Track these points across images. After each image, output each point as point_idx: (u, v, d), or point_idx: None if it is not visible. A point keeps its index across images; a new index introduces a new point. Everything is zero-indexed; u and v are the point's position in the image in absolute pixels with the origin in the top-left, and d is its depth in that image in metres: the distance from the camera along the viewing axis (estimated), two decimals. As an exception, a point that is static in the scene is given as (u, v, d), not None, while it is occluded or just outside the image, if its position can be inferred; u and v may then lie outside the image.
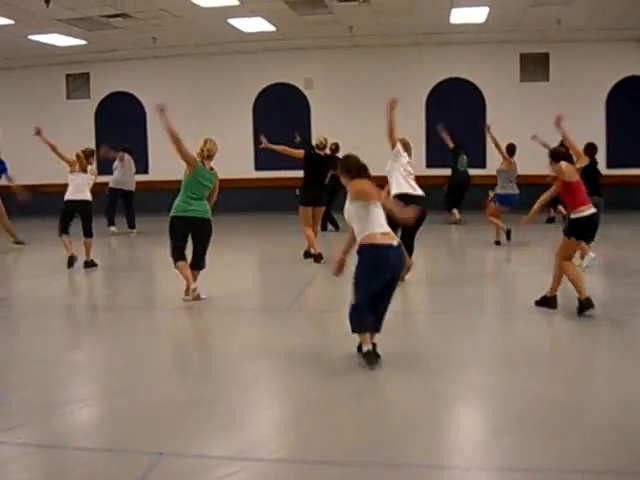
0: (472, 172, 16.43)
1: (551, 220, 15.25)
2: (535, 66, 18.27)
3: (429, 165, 17.75)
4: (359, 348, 6.22)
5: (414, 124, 17.26)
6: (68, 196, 11.31)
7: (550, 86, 18.10)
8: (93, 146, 13.47)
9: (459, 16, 15.44)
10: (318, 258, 11.26)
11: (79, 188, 11.27)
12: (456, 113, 17.90)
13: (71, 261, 11.12)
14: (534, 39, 17.63)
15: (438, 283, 10.09)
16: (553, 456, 4.41)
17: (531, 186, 11.66)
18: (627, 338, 7.16)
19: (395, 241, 6.07)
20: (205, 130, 18.29)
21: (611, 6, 14.64)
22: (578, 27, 16.47)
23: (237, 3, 13.73)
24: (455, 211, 16.05)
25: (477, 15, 15.43)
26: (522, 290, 9.68)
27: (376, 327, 6.25)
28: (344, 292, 8.81)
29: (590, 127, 15.54)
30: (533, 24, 16.22)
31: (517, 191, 12.86)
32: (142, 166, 18.19)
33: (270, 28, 16.10)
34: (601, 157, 14.00)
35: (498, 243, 12.88)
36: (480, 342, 7.08)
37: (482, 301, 9.22)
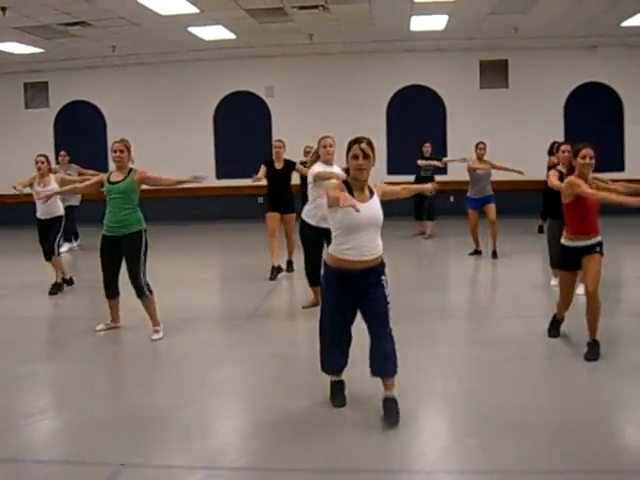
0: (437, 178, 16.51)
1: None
2: (494, 73, 18.44)
3: (390, 172, 17.82)
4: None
5: (375, 131, 17.22)
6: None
7: (509, 93, 18.30)
8: (53, 156, 13.29)
9: (419, 24, 15.53)
10: (274, 273, 10.84)
11: None
12: (417, 120, 18.02)
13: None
14: (493, 46, 17.80)
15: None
16: (516, 458, 4.45)
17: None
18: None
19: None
20: (166, 138, 18.43)
21: (567, 15, 14.84)
22: (536, 35, 16.68)
23: (197, 11, 13.67)
24: (427, 223, 15.33)
25: (437, 23, 15.54)
26: (488, 295, 9.76)
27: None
28: (305, 298, 8.81)
29: (548, 133, 15.71)
30: (492, 32, 16.38)
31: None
32: (103, 175, 18.03)
33: (230, 36, 16.06)
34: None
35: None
36: (442, 347, 7.11)
37: (445, 307, 9.27)
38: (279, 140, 11.48)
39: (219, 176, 18.74)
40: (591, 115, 17.74)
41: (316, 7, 13.79)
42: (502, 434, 4.80)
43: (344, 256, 5.07)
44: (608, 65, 17.96)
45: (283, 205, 11.05)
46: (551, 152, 13.16)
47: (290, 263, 11.40)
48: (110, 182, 7.80)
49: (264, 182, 10.89)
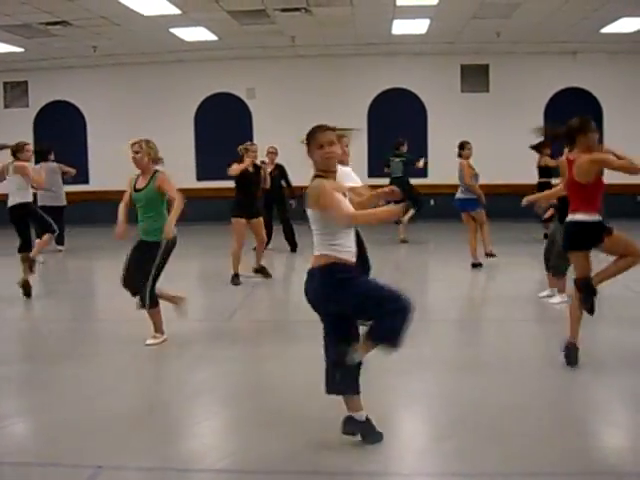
0: (412, 181, 16.55)
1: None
2: (475, 77, 18.55)
3: (371, 175, 17.81)
4: None
5: (356, 134, 17.32)
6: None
7: (490, 97, 18.42)
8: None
9: (401, 27, 15.59)
10: (235, 279, 10.67)
11: None
12: (398, 123, 18.05)
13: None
14: (474, 51, 17.91)
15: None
16: (494, 460, 4.46)
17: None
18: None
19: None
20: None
21: (548, 21, 14.95)
22: (517, 40, 16.79)
23: (179, 12, 13.64)
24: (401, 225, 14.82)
25: (418, 27, 15.59)
26: (471, 297, 9.79)
27: None
28: (281, 302, 8.78)
29: (529, 137, 15.74)
30: (473, 36, 16.47)
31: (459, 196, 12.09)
32: (82, 176, 17.96)
33: (212, 37, 16.04)
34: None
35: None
36: (421, 350, 7.11)
37: (425, 309, 9.28)
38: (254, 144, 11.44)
39: (199, 178, 18.71)
40: (571, 119, 17.82)
41: (298, 9, 13.79)
42: (480, 436, 4.81)
43: (345, 255, 4.52)
44: (588, 71, 18.13)
45: (255, 209, 10.96)
46: (539, 150, 13.26)
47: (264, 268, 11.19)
48: (135, 189, 7.30)
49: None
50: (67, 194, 14.93)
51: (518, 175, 13.28)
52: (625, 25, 15.38)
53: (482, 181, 12.42)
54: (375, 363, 6.58)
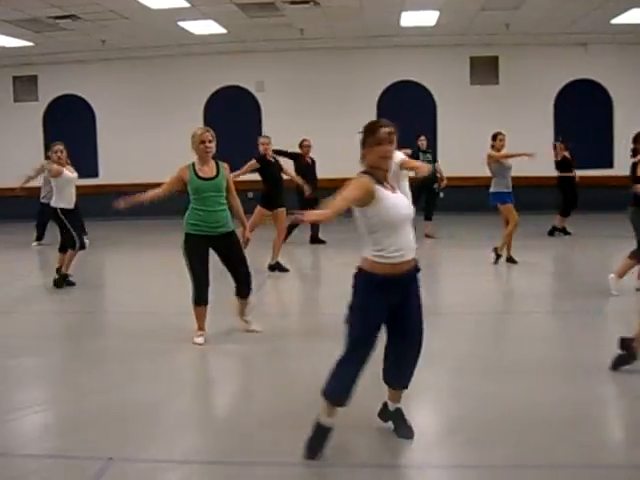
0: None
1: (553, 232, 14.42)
2: (485, 69, 18.47)
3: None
4: None
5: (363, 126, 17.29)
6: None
7: (499, 89, 18.34)
8: (42, 149, 13.20)
9: (409, 19, 15.54)
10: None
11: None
12: (407, 116, 17.98)
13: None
14: (484, 43, 17.83)
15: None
16: (505, 452, 4.46)
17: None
18: (573, 331, 7.28)
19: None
20: (155, 132, 18.36)
21: (558, 12, 14.88)
22: (526, 31, 16.73)
23: (187, 5, 13.64)
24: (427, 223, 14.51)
25: (427, 19, 15.55)
26: (478, 291, 9.76)
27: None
28: (275, 298, 8.72)
29: (538, 129, 15.78)
30: (483, 28, 16.42)
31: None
32: (92, 170, 18.01)
33: (221, 30, 16.04)
34: (549, 159, 14.22)
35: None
36: (433, 343, 7.09)
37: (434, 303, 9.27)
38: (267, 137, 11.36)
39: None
40: (581, 112, 17.79)
41: (307, 2, 13.80)
42: (490, 430, 4.81)
43: (388, 260, 4.35)
44: (598, 62, 18.01)
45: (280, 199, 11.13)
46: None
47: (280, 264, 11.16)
48: (201, 177, 6.96)
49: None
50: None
51: (529, 167, 13.16)
52: (636, 16, 15.27)
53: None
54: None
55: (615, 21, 15.74)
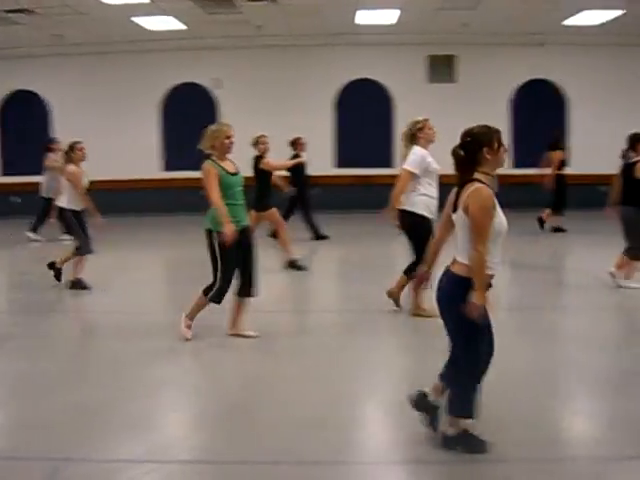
0: (378, 171, 16.58)
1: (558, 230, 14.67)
2: (443, 68, 18.57)
3: (338, 165, 17.84)
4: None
5: (322, 124, 17.35)
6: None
7: (457, 87, 18.45)
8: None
9: (367, 17, 15.57)
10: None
11: None
12: (364, 114, 18.07)
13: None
14: (442, 41, 17.90)
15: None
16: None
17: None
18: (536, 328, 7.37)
19: (452, 267, 4.39)
20: (112, 129, 18.17)
21: (515, 12, 15.02)
22: (484, 31, 16.84)
23: (146, 1, 13.49)
24: None
25: (387, 17, 15.58)
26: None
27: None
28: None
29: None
30: (441, 27, 16.49)
31: None
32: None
33: (180, 27, 15.89)
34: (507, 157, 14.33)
35: None
36: (400, 338, 7.14)
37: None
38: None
39: (166, 168, 18.58)
40: (537, 111, 17.99)
41: (264, -1, 13.73)
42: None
43: (492, 271, 4.29)
44: (554, 62, 18.21)
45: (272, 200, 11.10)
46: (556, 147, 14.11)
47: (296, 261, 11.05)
48: (229, 173, 6.97)
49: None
50: (33, 185, 14.81)
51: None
52: (590, 17, 15.55)
53: (448, 171, 12.41)
54: (346, 352, 6.65)
55: (567, 22, 15.97)
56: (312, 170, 13.95)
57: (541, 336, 7.22)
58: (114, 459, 4.46)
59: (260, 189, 10.83)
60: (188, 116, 18.08)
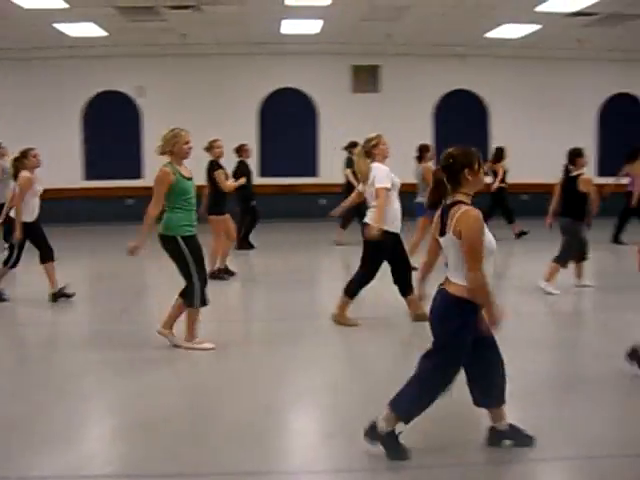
0: (302, 180, 16.65)
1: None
2: (366, 78, 18.75)
3: (262, 174, 17.80)
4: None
5: (247, 134, 17.24)
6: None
7: (381, 97, 18.65)
8: None
9: (291, 27, 15.63)
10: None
11: None
12: (289, 123, 18.11)
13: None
14: (366, 52, 18.09)
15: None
16: (379, 454, 4.49)
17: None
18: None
19: (446, 286, 4.43)
20: (33, 137, 17.70)
21: (437, 24, 15.31)
22: (407, 42, 17.09)
23: (66, 6, 13.25)
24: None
25: (310, 27, 15.67)
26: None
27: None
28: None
29: (418, 137, 16.04)
30: (364, 37, 16.67)
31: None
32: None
33: (102, 33, 15.66)
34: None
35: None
36: (310, 347, 7.15)
37: (305, 309, 9.35)
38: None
39: (88, 177, 18.27)
40: (459, 121, 18.28)
41: (188, 7, 13.64)
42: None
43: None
44: (475, 73, 18.63)
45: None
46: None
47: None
48: (186, 177, 6.92)
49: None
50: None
51: (407, 174, 13.44)
52: (509, 31, 16.00)
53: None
54: (265, 362, 6.64)
55: (489, 35, 16.35)
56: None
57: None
58: (31, 476, 4.35)
59: (215, 194, 10.70)
60: (111, 125, 17.88)
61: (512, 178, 15.64)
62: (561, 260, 9.50)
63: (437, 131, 18.40)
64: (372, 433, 4.49)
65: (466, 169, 4.34)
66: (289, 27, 15.68)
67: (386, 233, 7.64)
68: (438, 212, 4.48)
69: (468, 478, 4.35)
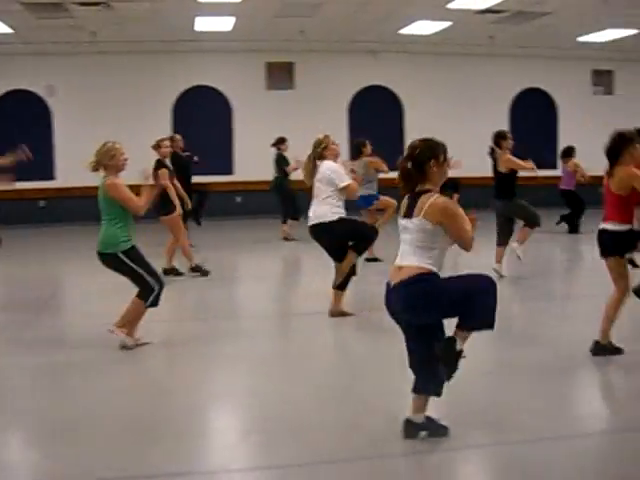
0: (217, 179, 16.58)
1: None
2: (281, 75, 18.76)
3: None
4: None
5: (161, 133, 16.92)
6: None
7: (295, 94, 18.68)
8: None
9: (205, 24, 15.48)
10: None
11: None
12: (203, 121, 17.94)
13: None
14: (280, 49, 18.07)
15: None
16: (296, 452, 4.54)
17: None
18: (374, 336, 7.52)
19: (398, 278, 4.52)
20: None
21: (350, 21, 15.39)
22: (321, 39, 17.14)
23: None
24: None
25: (223, 24, 15.55)
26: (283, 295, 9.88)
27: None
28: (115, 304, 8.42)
29: (333, 133, 16.08)
30: (278, 34, 16.63)
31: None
32: None
33: (7, 30, 15.20)
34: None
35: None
36: (227, 346, 7.10)
37: (230, 308, 9.30)
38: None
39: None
40: (373, 116, 18.42)
41: (97, 4, 13.36)
42: (283, 431, 4.87)
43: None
44: (388, 70, 18.82)
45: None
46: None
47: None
48: None
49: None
50: None
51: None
52: (422, 28, 16.22)
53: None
54: (178, 360, 6.57)
55: (402, 31, 16.52)
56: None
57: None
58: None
59: (161, 194, 10.51)
60: (20, 125, 17.39)
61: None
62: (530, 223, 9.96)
63: (352, 127, 18.48)
64: (410, 429, 4.60)
65: (432, 160, 4.47)
66: (203, 24, 15.52)
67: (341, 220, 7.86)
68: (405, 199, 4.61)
69: (386, 471, 4.39)
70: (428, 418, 4.65)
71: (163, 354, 6.97)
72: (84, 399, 5.62)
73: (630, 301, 6.38)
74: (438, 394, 4.60)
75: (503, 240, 10.00)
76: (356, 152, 11.96)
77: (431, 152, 4.51)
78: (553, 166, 17.07)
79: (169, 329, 7.95)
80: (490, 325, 4.48)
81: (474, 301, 4.40)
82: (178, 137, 13.22)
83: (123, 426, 5.05)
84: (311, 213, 8.02)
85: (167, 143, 10.89)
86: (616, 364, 6.16)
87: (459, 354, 4.45)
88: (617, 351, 6.27)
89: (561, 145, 17.06)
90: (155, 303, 6.89)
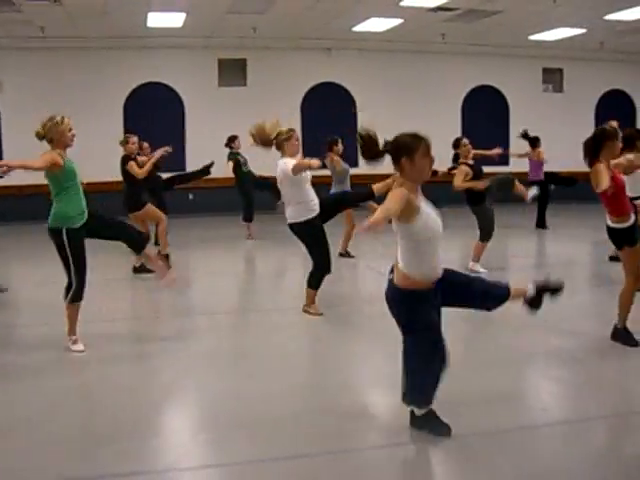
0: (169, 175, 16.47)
1: None
2: (233, 71, 18.70)
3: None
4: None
5: (112, 130, 16.77)
6: None
7: (248, 91, 18.62)
8: None
9: (156, 20, 15.32)
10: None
11: None
12: (155, 118, 17.77)
13: None
14: (232, 45, 17.99)
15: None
16: (247, 448, 4.53)
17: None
18: (331, 332, 7.51)
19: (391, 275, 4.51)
20: None
21: (303, 18, 15.39)
22: (273, 35, 17.11)
23: None
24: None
25: (174, 20, 15.41)
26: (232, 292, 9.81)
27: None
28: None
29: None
30: (230, 31, 16.56)
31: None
32: None
33: (-47, 25, 14.92)
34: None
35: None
36: (178, 344, 7.05)
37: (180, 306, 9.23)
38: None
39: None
40: (326, 113, 18.45)
41: (46, -2, 13.14)
42: (233, 427, 4.85)
43: (427, 277, 4.40)
44: (341, 66, 18.89)
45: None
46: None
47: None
48: (71, 162, 6.65)
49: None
50: None
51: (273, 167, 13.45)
52: (375, 25, 16.25)
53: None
54: (129, 356, 6.50)
55: (356, 29, 16.56)
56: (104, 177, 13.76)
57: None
58: None
59: (130, 189, 10.71)
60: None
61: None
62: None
63: (305, 124, 18.46)
64: (413, 420, 4.62)
65: (404, 157, 4.32)
66: (155, 20, 15.36)
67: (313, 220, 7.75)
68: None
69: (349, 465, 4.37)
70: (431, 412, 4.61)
71: (116, 354, 6.85)
72: (36, 399, 5.53)
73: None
74: (420, 405, 4.57)
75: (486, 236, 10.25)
76: (328, 149, 11.76)
77: (404, 148, 4.34)
78: (506, 162, 17.24)
79: (117, 328, 7.87)
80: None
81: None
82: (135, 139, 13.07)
83: (74, 426, 4.99)
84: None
85: (135, 139, 10.97)
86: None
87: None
88: (632, 340, 6.41)
89: (512, 142, 17.28)
90: (78, 299, 6.64)
